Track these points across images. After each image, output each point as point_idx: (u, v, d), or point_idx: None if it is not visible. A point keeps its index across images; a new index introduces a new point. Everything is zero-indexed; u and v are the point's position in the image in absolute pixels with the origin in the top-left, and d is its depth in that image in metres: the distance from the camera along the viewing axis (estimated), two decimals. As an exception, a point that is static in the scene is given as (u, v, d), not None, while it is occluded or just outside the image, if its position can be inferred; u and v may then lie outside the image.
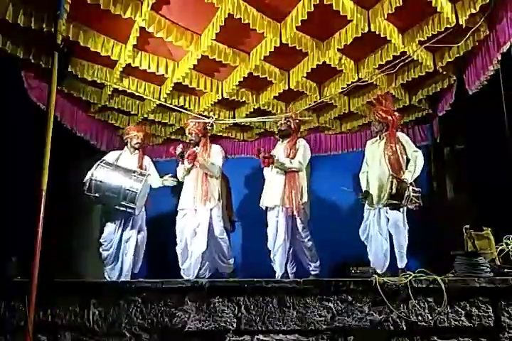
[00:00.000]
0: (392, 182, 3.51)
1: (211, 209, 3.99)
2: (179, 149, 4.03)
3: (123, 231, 4.00)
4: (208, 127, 4.30)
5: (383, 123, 3.90)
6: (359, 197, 3.92)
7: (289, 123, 4.15)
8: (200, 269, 3.94)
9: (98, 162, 3.85)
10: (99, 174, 3.72)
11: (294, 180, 3.90)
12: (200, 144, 4.20)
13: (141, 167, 4.16)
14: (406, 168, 3.69)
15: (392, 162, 3.69)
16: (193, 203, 3.97)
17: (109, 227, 3.98)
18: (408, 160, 3.74)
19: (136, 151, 4.27)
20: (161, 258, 4.67)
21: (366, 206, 3.91)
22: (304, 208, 3.90)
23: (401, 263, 3.69)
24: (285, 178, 3.92)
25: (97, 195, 3.69)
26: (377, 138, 4.00)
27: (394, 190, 3.47)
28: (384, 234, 3.76)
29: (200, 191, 3.95)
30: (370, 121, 4.48)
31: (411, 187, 3.53)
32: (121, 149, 4.41)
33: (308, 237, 3.93)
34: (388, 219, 3.73)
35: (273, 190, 3.97)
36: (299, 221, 3.87)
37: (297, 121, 4.25)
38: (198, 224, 3.93)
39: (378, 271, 3.67)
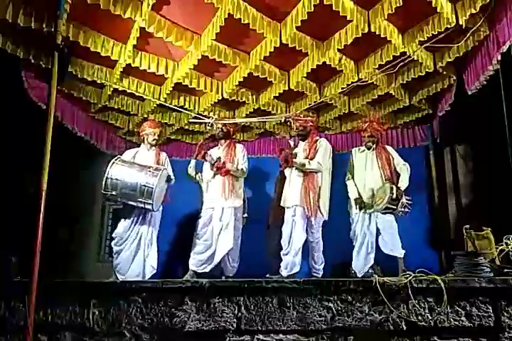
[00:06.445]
0: (392, 188, 3.79)
1: (235, 209, 4.02)
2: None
3: (139, 229, 3.96)
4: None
5: (375, 137, 4.23)
6: (356, 205, 4.11)
7: (304, 123, 4.12)
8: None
9: (113, 160, 3.83)
10: (115, 172, 3.72)
11: (313, 181, 3.88)
12: (223, 144, 4.24)
13: (158, 162, 4.15)
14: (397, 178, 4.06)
15: (387, 172, 4.03)
16: (221, 201, 3.99)
17: (124, 224, 3.94)
18: (397, 172, 4.09)
19: (153, 147, 4.27)
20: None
21: (354, 211, 4.16)
22: (319, 209, 3.85)
23: (399, 254, 3.93)
24: (303, 178, 3.91)
25: (114, 192, 3.69)
26: (364, 147, 4.27)
27: (395, 195, 3.75)
28: (372, 238, 4.02)
29: (228, 190, 3.98)
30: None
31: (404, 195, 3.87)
32: (128, 148, 4.43)
33: (319, 239, 3.94)
34: (376, 224, 4.03)
35: (292, 190, 3.96)
36: (313, 221, 3.87)
37: (312, 120, 4.23)
38: (226, 223, 3.95)
39: (358, 274, 3.96)
